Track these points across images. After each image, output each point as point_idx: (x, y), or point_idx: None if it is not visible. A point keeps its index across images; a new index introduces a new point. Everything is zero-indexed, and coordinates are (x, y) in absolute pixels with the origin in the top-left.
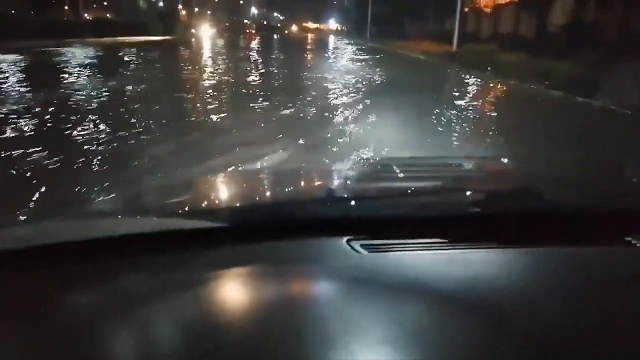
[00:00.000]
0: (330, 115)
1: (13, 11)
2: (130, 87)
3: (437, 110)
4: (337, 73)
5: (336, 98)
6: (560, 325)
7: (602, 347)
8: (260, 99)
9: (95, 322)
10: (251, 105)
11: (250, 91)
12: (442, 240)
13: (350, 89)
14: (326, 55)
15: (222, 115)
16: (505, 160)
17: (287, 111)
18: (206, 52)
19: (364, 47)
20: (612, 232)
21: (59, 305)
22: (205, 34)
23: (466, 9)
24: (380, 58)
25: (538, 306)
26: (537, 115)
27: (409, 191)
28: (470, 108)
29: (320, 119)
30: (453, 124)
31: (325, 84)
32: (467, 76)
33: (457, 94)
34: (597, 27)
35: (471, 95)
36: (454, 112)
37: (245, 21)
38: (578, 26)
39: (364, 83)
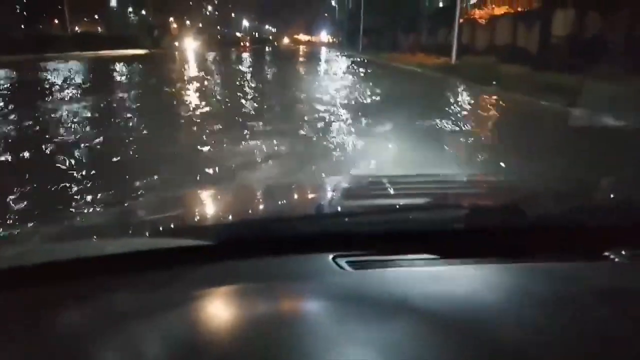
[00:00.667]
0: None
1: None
2: (89, 112)
3: (459, 141)
4: (332, 92)
5: (336, 128)
6: (543, 340)
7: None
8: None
9: (85, 341)
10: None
11: (238, 123)
12: (428, 257)
13: (350, 112)
14: (318, 69)
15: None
16: (491, 177)
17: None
18: (192, 69)
19: (357, 60)
20: (592, 247)
21: (49, 325)
22: (196, 47)
23: (460, 21)
24: (376, 72)
25: (523, 321)
26: (584, 146)
27: (397, 207)
28: (497, 135)
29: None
30: (488, 158)
31: (319, 107)
32: (475, 92)
33: (474, 114)
34: (601, 39)
35: (489, 116)
36: (481, 139)
37: (237, 34)
38: (580, 37)
39: (364, 104)
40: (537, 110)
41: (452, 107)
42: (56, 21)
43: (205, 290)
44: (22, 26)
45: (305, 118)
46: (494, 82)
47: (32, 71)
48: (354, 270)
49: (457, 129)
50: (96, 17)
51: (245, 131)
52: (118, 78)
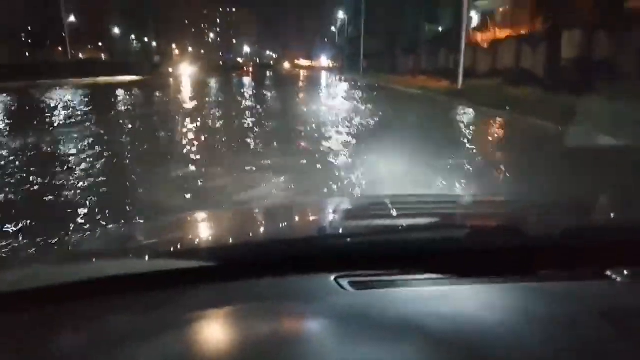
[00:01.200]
0: None
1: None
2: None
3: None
4: (339, 120)
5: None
6: (546, 359)
7: None
8: None
9: None
10: None
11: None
12: (430, 277)
13: (363, 149)
14: (321, 94)
15: None
16: (492, 197)
17: None
18: (185, 97)
19: (359, 84)
20: (593, 267)
21: (49, 347)
22: (195, 73)
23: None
24: (380, 96)
25: (525, 341)
26: None
27: (398, 228)
28: (549, 177)
29: None
30: None
31: (326, 140)
32: (491, 118)
33: (502, 146)
34: (612, 58)
35: (522, 148)
36: (527, 182)
37: (239, 59)
38: (589, 58)
39: (376, 137)
40: (573, 138)
41: (474, 138)
42: (60, 49)
43: (206, 312)
44: (27, 54)
45: (313, 152)
46: (507, 107)
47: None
48: (355, 291)
49: (493, 170)
50: (100, 44)
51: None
52: (97, 111)
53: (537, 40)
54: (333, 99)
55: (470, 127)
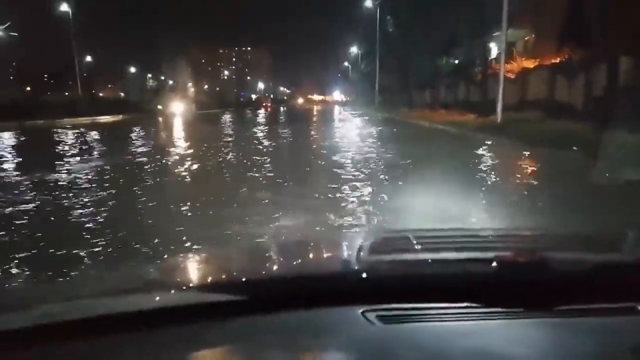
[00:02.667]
0: None
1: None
2: None
3: None
4: (367, 168)
5: None
6: None
7: None
8: None
9: None
10: None
11: None
12: (456, 311)
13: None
14: (334, 129)
15: None
16: (519, 231)
17: None
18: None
19: (375, 119)
20: (624, 302)
21: None
22: (204, 109)
23: (480, 76)
24: (403, 134)
25: None
26: None
27: (424, 261)
28: None
29: None
30: None
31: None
32: (576, 170)
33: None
34: None
35: None
36: None
37: (253, 95)
38: (635, 89)
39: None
40: None
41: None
42: (84, 89)
43: (232, 346)
44: (49, 92)
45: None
46: (574, 147)
47: None
48: (383, 325)
49: None
50: (119, 83)
51: None
52: None
53: (574, 71)
54: (347, 137)
55: (553, 187)
